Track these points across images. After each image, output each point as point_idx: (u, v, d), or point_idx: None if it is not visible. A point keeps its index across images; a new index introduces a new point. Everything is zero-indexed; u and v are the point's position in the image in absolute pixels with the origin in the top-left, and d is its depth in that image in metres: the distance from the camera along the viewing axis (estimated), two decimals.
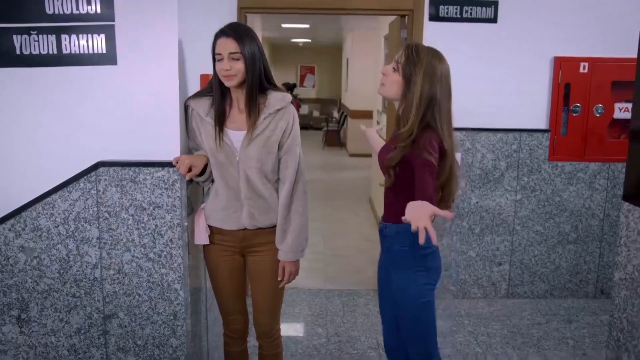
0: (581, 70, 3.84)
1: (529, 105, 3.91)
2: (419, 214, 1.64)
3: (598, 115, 3.89)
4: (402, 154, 1.96)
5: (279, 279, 2.29)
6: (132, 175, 2.18)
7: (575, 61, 3.83)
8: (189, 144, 2.30)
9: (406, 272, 2.06)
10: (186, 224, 2.24)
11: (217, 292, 2.39)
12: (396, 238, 2.10)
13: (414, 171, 1.90)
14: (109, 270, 2.25)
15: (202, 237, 2.29)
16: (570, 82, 3.85)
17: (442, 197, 2.07)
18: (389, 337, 2.31)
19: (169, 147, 2.19)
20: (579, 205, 4.00)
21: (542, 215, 4.01)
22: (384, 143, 2.48)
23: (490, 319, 3.76)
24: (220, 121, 2.16)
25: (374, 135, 2.54)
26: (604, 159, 3.95)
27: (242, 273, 2.37)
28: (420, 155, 1.89)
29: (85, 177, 2.18)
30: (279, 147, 2.20)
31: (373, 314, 3.83)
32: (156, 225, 2.22)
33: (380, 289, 2.28)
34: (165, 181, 2.18)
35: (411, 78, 1.98)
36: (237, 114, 2.20)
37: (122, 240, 2.23)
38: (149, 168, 2.18)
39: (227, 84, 2.12)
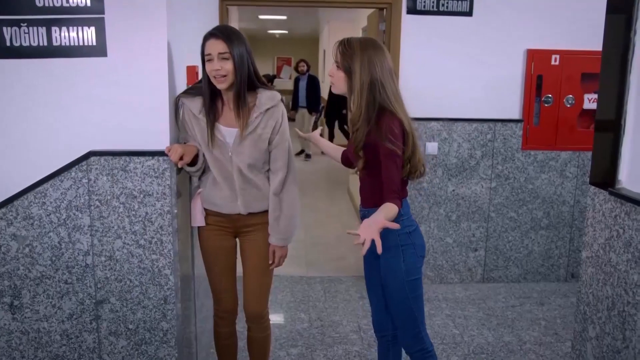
0: (552, 63, 3.99)
1: (503, 96, 4.04)
2: (369, 230, 1.85)
3: (569, 105, 4.05)
4: (363, 134, 2.09)
5: (270, 262, 2.41)
6: (122, 164, 2.24)
7: (547, 54, 3.97)
8: (180, 135, 2.38)
9: (393, 251, 2.16)
10: (176, 211, 2.31)
11: (211, 272, 2.49)
12: None
13: (382, 163, 2.04)
14: (101, 257, 2.31)
15: (198, 220, 2.41)
16: (542, 74, 3.99)
17: (409, 169, 2.17)
18: (378, 318, 2.42)
19: (158, 136, 2.25)
20: (550, 193, 4.16)
21: (515, 202, 4.16)
22: (332, 144, 2.63)
23: (467, 303, 3.91)
24: (213, 120, 2.26)
25: (320, 138, 2.63)
26: (574, 148, 4.11)
27: (234, 253, 2.50)
28: (384, 145, 2.02)
29: (77, 166, 2.23)
30: (269, 143, 2.31)
31: (354, 300, 3.94)
32: (146, 213, 2.28)
33: (368, 272, 2.38)
34: (156, 170, 2.25)
35: (350, 69, 2.10)
36: (229, 111, 2.29)
37: (113, 227, 2.29)
38: (139, 157, 2.24)
39: (218, 86, 2.20)
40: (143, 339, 2.38)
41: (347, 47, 2.11)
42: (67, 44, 2.18)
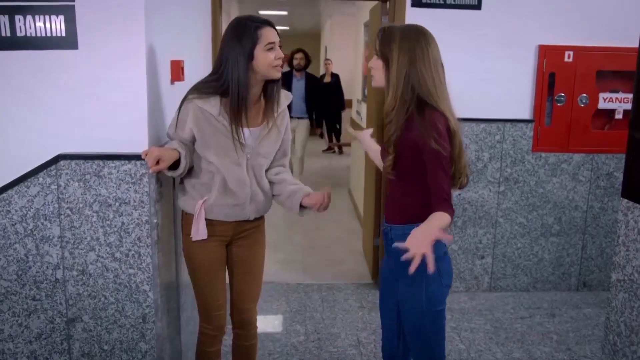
0: (566, 60, 3.75)
1: (512, 95, 3.81)
2: (420, 241, 1.60)
3: (582, 105, 3.82)
4: (396, 127, 1.87)
5: (317, 206, 2.18)
6: (95, 169, 2.02)
7: (560, 50, 3.73)
8: (168, 130, 2.15)
9: (417, 278, 1.82)
10: (155, 220, 2.09)
11: (205, 287, 2.26)
12: (404, 241, 1.94)
13: (426, 166, 1.82)
14: (72, 271, 2.09)
15: (201, 232, 2.17)
16: (555, 72, 3.76)
17: (453, 174, 1.94)
18: (389, 344, 2.17)
19: (135, 138, 2.03)
20: (562, 197, 3.93)
21: (525, 207, 3.93)
22: (379, 147, 2.35)
23: (473, 314, 3.68)
24: (240, 121, 2.07)
25: (368, 139, 2.38)
26: (587, 150, 3.88)
27: (225, 265, 2.31)
28: (429, 145, 1.79)
29: (45, 171, 2.02)
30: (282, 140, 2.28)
31: (353, 310, 3.73)
32: (123, 223, 2.07)
33: (383, 293, 2.14)
34: (132, 175, 2.03)
35: (389, 57, 1.91)
36: (247, 110, 2.13)
37: (85, 238, 2.07)
38: (114, 161, 2.03)
39: (277, 75, 2.11)
40: None
41: (386, 35, 1.93)
42: (33, 34, 1.96)
